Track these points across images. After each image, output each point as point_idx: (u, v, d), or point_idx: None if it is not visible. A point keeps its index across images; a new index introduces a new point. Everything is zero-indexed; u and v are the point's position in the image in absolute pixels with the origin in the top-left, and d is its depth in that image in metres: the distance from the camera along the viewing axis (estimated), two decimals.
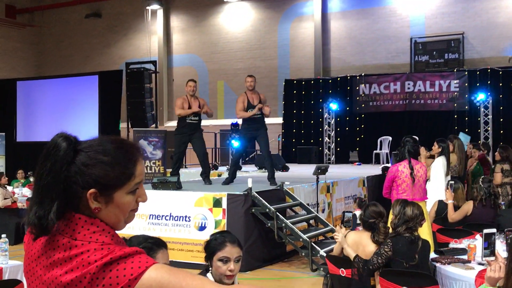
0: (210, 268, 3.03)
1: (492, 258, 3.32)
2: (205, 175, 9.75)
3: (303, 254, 7.81)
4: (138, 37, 24.20)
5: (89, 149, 1.50)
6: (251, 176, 11.10)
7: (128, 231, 9.66)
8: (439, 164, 7.71)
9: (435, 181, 7.61)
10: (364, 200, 9.16)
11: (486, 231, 3.41)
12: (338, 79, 19.08)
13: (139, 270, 1.38)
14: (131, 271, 1.38)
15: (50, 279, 1.43)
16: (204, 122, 24.03)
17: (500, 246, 4.79)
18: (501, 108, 16.56)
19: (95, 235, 1.45)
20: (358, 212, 8.80)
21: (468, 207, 6.20)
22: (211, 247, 3.02)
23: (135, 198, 1.54)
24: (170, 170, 14.29)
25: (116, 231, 1.54)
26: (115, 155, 1.50)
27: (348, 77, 18.87)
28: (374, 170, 13.49)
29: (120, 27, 24.62)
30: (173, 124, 23.40)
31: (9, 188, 11.10)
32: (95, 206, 1.47)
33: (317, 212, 9.06)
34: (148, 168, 12.99)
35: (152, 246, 2.63)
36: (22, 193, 10.93)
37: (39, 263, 1.48)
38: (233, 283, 3.05)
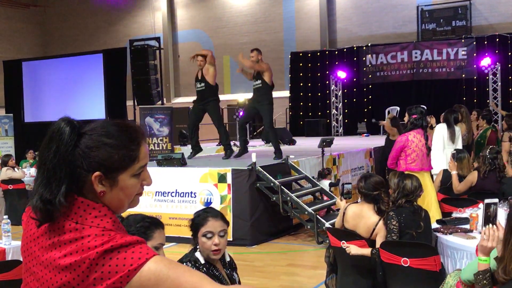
0: (198, 247, 3.03)
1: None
2: (225, 147, 9.71)
3: (309, 227, 7.83)
4: (143, 14, 24.06)
5: (92, 132, 1.49)
6: (258, 150, 11.10)
7: (135, 208, 9.79)
8: (437, 133, 7.66)
9: (434, 151, 7.56)
10: (327, 171, 9.14)
11: (487, 201, 3.36)
12: (345, 50, 18.92)
13: (139, 262, 1.36)
14: (131, 261, 1.36)
15: (48, 260, 1.42)
16: None
17: (504, 215, 4.77)
18: (510, 75, 16.36)
19: (97, 219, 1.45)
20: (325, 182, 8.80)
21: (472, 178, 6.15)
22: (195, 224, 3.02)
23: (139, 182, 1.54)
24: (178, 146, 14.35)
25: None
26: (119, 138, 1.50)
27: (355, 48, 18.69)
28: (382, 141, 13.38)
29: (124, 5, 24.46)
30: (180, 100, 23.44)
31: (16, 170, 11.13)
32: (100, 190, 1.47)
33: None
34: (156, 145, 12.97)
35: (150, 225, 2.64)
36: (30, 173, 11.00)
37: (37, 243, 1.47)
38: (221, 259, 3.05)
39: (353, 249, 4.44)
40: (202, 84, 9.62)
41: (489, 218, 3.30)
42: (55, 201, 1.41)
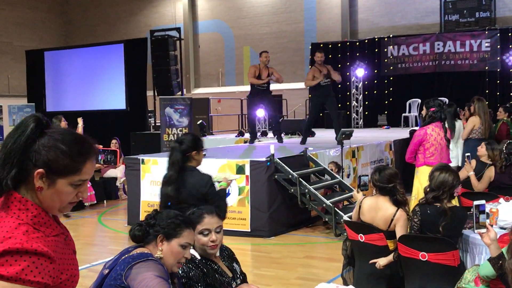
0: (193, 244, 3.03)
1: (484, 230, 3.26)
2: (276, 134, 11.39)
3: (327, 219, 7.81)
4: (163, 4, 24.10)
5: (52, 134, 1.65)
6: (277, 142, 11.09)
7: (154, 198, 9.66)
8: None
9: None
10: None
11: (476, 202, 3.32)
12: (366, 41, 18.71)
13: (4, 273, 1.47)
14: (1, 269, 1.47)
15: None
16: (230, 89, 23.67)
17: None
18: None
19: (19, 212, 1.60)
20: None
21: (490, 173, 6.07)
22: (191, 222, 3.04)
23: (75, 192, 1.69)
24: None
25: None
26: (71, 147, 1.65)
27: (376, 39, 18.49)
28: (403, 133, 13.30)
29: None
30: (200, 91, 23.49)
31: None
32: (38, 185, 1.62)
33: (342, 178, 9.01)
34: (175, 135, 13.05)
35: (180, 223, 2.72)
36: None
37: None
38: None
39: (382, 261, 4.39)
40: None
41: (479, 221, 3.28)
42: (2, 183, 1.59)
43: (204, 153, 4.51)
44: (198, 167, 4.32)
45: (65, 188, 1.65)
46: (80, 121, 9.38)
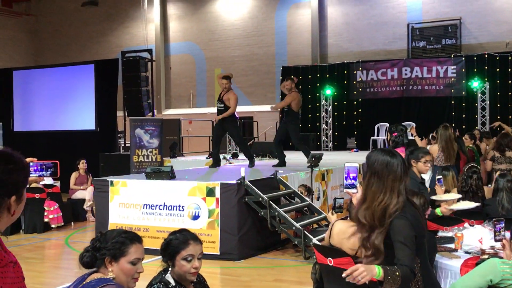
0: (169, 269, 3.03)
1: (354, 190, 3.57)
2: (247, 158, 11.04)
3: (296, 242, 7.85)
4: (135, 25, 24.10)
5: None
6: (248, 164, 11.13)
7: (123, 220, 9.48)
8: None
9: None
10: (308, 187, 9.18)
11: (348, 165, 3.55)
12: (335, 66, 19.04)
13: None
14: None
15: None
16: (201, 110, 23.60)
17: (488, 234, 4.82)
18: (498, 93, 16.54)
19: None
20: None
21: None
22: (174, 246, 3.01)
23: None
24: (168, 158, 14.35)
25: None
26: None
27: (345, 64, 18.83)
28: None
29: (117, 16, 24.52)
30: (171, 112, 23.45)
31: None
32: None
33: (312, 200, 9.09)
34: (145, 157, 12.98)
35: (125, 240, 2.67)
36: None
37: None
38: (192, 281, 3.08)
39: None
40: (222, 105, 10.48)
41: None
42: None
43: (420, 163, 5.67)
44: (421, 173, 5.78)
45: None
46: None
